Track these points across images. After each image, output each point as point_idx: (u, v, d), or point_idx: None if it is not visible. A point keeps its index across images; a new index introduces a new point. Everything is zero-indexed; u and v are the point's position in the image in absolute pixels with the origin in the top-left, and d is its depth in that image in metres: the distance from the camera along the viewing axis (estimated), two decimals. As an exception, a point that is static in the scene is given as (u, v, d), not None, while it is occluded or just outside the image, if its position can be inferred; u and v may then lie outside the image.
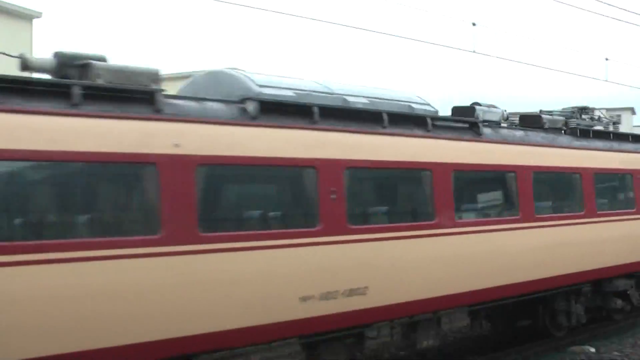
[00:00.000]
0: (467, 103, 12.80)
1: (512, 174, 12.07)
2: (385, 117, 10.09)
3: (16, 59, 7.75)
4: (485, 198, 12.27)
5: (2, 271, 6.56)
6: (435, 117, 11.12)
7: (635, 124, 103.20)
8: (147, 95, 7.86)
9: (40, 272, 6.73)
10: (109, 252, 7.12)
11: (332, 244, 9.01)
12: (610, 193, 14.91)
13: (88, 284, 6.99)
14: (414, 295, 10.05)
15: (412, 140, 10.43)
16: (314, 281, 8.76)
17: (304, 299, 8.65)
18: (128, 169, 7.52)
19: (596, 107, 16.43)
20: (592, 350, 13.89)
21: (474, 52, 21.20)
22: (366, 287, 9.35)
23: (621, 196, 15.20)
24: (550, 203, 13.37)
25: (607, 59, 28.32)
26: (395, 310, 9.87)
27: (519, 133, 13.03)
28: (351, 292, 9.17)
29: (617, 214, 14.51)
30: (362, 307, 9.31)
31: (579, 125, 14.87)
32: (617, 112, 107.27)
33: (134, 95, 7.79)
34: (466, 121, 11.81)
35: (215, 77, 9.54)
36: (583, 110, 15.97)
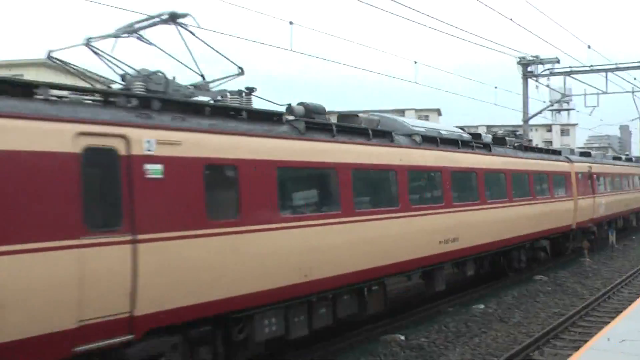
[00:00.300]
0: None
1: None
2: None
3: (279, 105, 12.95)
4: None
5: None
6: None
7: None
8: (388, 134, 14.70)
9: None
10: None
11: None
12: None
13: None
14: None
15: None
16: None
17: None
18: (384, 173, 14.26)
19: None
20: (402, 338, 14.72)
21: (291, 50, 21.68)
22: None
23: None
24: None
25: (415, 62, 30.08)
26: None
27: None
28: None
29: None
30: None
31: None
32: (425, 113, 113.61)
33: (379, 134, 14.44)
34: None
35: (385, 120, 16.04)
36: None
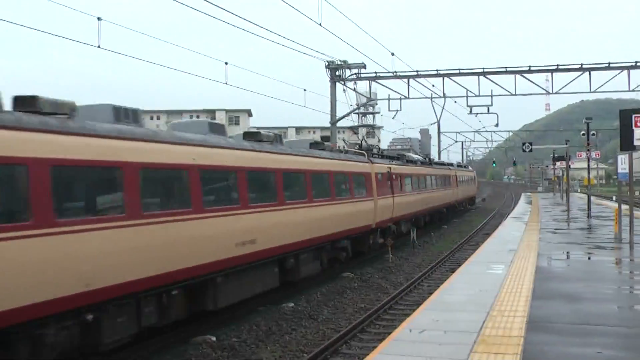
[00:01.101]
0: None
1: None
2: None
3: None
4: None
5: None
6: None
7: (251, 124, 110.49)
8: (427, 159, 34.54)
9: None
10: None
11: None
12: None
13: None
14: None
15: None
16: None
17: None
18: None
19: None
20: (213, 339, 14.68)
21: (98, 47, 20.93)
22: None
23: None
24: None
25: (226, 63, 30.09)
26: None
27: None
28: None
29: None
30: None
31: None
32: (236, 114, 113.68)
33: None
34: None
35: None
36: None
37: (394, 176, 30.77)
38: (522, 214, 41.71)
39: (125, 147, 11.80)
